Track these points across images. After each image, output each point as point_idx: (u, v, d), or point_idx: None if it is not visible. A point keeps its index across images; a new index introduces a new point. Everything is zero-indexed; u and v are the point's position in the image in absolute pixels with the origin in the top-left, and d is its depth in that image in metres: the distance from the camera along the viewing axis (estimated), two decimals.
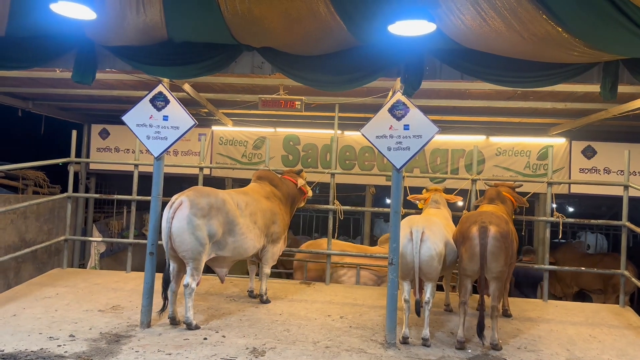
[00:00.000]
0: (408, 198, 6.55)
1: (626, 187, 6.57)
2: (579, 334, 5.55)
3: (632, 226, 6.45)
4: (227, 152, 10.04)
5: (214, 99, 8.26)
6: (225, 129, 10.18)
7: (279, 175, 6.42)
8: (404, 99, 5.08)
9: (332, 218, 7.18)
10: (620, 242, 6.68)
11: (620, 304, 6.66)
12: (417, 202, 6.30)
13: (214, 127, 10.14)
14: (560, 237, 6.88)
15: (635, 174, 8.31)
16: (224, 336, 4.96)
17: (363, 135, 5.13)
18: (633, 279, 6.53)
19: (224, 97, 7.91)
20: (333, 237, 7.29)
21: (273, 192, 6.09)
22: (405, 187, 6.94)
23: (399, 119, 5.10)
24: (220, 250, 5.33)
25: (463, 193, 6.84)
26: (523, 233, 7.08)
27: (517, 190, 6.27)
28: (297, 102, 6.63)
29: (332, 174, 7.32)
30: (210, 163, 9.88)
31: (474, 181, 6.98)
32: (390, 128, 5.11)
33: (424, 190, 6.33)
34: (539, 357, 4.89)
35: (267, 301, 6.09)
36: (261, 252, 5.88)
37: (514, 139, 8.95)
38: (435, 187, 6.45)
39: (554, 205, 9.03)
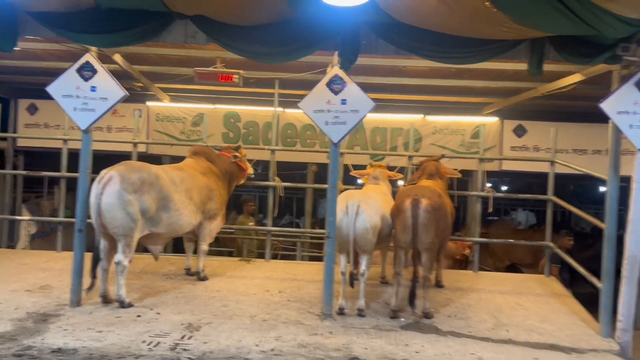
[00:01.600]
0: (351, 174, 6.62)
1: (552, 163, 6.89)
2: (506, 302, 5.82)
3: (557, 200, 6.80)
4: (165, 129, 9.75)
5: (147, 72, 7.95)
6: (162, 105, 9.86)
7: (217, 151, 6.29)
8: (341, 73, 5.07)
9: (272, 195, 7.13)
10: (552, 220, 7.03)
11: (545, 274, 7.03)
12: (360, 177, 6.37)
13: (150, 103, 9.79)
14: (490, 210, 7.14)
15: (563, 152, 8.74)
16: (158, 313, 4.86)
17: (300, 108, 5.10)
18: (558, 251, 6.87)
19: (158, 69, 7.63)
20: (276, 216, 7.26)
21: (210, 168, 5.96)
22: (347, 165, 7.00)
23: (336, 93, 5.09)
24: (154, 226, 5.18)
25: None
26: (457, 205, 7.34)
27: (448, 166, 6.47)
28: (234, 76, 6.49)
29: (272, 151, 7.26)
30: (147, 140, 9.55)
31: (410, 158, 7.13)
32: (328, 102, 5.10)
33: (368, 166, 6.42)
34: (468, 324, 5.09)
35: (204, 278, 6.00)
36: (198, 228, 5.76)
37: (450, 118, 9.19)
38: (378, 164, 6.55)
39: (490, 185, 9.38)
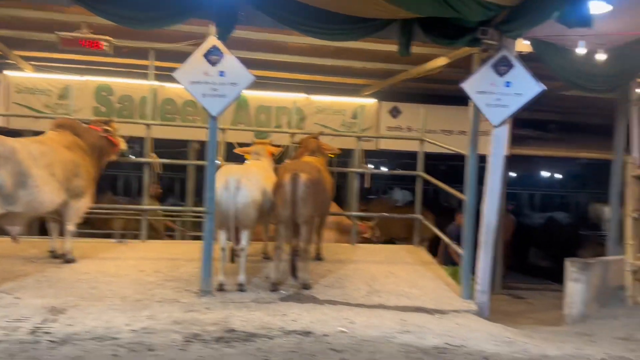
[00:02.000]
0: (235, 151, 6.52)
1: (422, 142, 7.35)
2: (380, 271, 6.14)
3: (426, 175, 7.27)
4: (26, 102, 8.81)
5: (4, 37, 7.10)
6: (24, 75, 8.90)
7: (85, 125, 5.83)
8: (219, 44, 4.93)
9: (148, 172, 6.80)
10: (424, 196, 7.51)
11: (414, 244, 7.52)
12: (244, 155, 6.30)
13: (8, 72, 8.79)
14: (367, 186, 7.46)
15: (432, 132, 9.36)
16: (17, 297, 4.44)
17: (175, 78, 4.89)
18: (427, 223, 7.36)
19: (16, 34, 6.83)
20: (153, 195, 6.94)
21: (76, 142, 5.50)
22: (232, 143, 6.87)
23: (214, 64, 4.95)
24: (11, 205, 4.70)
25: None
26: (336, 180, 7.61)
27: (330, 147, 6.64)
28: (103, 43, 6.01)
29: (148, 125, 6.91)
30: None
31: (293, 135, 7.20)
32: (205, 74, 4.94)
33: (253, 143, 6.37)
34: (344, 293, 5.31)
35: (71, 260, 5.57)
36: (63, 208, 5.32)
37: (332, 98, 9.42)
38: (262, 141, 6.53)
39: (371, 166, 9.81)
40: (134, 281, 5.15)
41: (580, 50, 5.49)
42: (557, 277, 6.06)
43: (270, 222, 5.96)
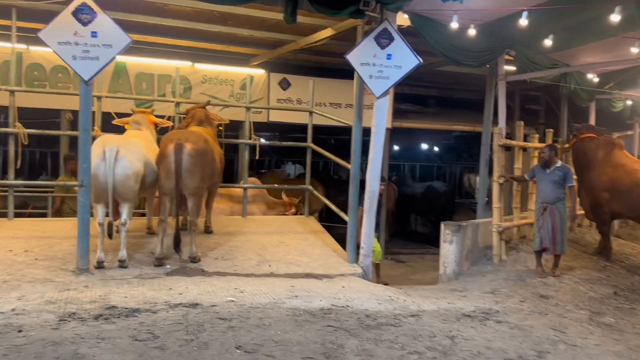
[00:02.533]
0: (114, 122, 6.10)
1: (310, 114, 7.43)
2: (271, 241, 6.18)
3: (315, 147, 7.38)
4: None
5: None
6: None
7: None
8: (90, 1, 4.53)
9: (13, 144, 6.14)
10: (314, 170, 7.60)
11: (305, 214, 7.65)
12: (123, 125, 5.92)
13: None
14: (257, 157, 7.40)
15: (321, 105, 9.49)
16: None
17: (41, 38, 4.43)
18: (316, 194, 7.50)
19: None
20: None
21: None
22: (111, 113, 6.41)
23: (85, 24, 4.55)
24: None
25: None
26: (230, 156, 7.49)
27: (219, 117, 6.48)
28: None
29: (12, 92, 6.22)
30: None
31: (177, 104, 6.89)
32: (75, 34, 4.52)
33: (133, 113, 5.97)
34: (234, 264, 5.27)
35: None
36: None
37: (219, 67, 9.13)
38: (142, 109, 6.15)
39: (264, 141, 9.68)
40: (0, 262, 4.69)
41: (454, 25, 5.82)
42: (435, 242, 6.52)
43: (155, 195, 5.71)
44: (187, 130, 5.61)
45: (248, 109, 7.28)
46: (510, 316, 4.61)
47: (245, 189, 7.27)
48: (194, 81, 9.05)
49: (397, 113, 10.27)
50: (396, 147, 17.05)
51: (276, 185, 8.62)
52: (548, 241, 6.16)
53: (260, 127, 10.97)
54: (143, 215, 6.33)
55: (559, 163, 6.32)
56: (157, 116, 6.32)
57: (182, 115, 6.67)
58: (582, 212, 8.10)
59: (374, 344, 3.49)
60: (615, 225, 9.60)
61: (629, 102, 9.74)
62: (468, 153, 16.35)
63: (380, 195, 6.24)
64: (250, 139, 7.23)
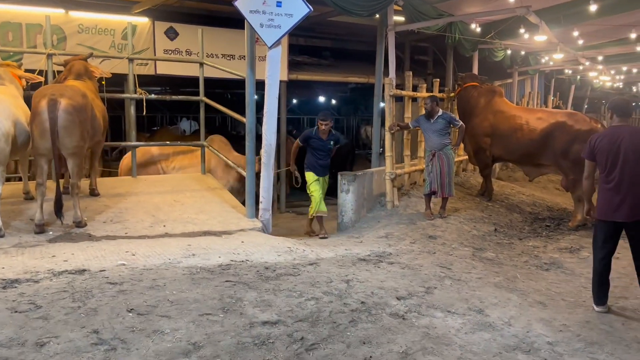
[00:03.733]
0: None
1: (201, 65, 7.13)
2: (165, 201, 5.99)
3: (208, 100, 7.15)
4: None
5: None
6: None
7: None
8: None
9: None
10: (212, 127, 7.35)
11: (201, 172, 7.46)
12: None
13: None
14: (144, 112, 7.04)
15: (213, 57, 9.13)
16: None
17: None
18: (212, 149, 7.30)
19: None
20: None
21: None
22: None
23: None
24: None
25: None
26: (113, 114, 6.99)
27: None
28: None
29: None
30: None
31: (50, 56, 6.28)
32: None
33: None
34: (125, 227, 5.06)
35: None
36: None
37: (97, 16, 8.36)
38: (7, 62, 5.51)
39: (151, 95, 9.11)
40: None
41: None
42: (335, 193, 6.69)
43: (29, 157, 5.25)
44: (62, 85, 5.16)
45: (131, 60, 6.82)
46: (402, 257, 4.90)
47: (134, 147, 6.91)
48: (68, 31, 8.24)
49: (292, 65, 10.18)
50: (294, 101, 17.04)
51: (168, 142, 8.29)
52: (437, 185, 6.56)
53: (148, 81, 10.40)
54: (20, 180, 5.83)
55: (440, 112, 6.68)
56: (27, 71, 5.73)
57: (58, 70, 6.10)
58: (466, 156, 8.72)
59: (272, 294, 3.55)
60: (496, 168, 10.51)
61: (509, 52, 10.46)
62: (364, 105, 16.76)
63: (331, 133, 6.48)
64: (135, 93, 6.82)
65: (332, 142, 6.57)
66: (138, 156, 7.24)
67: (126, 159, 7.57)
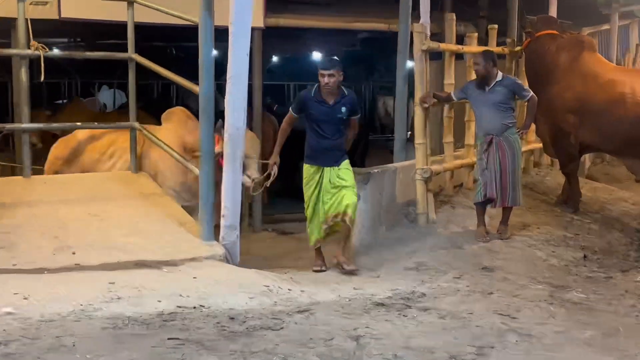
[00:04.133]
0: None
1: (130, 3, 7.09)
2: (75, 215, 6.01)
3: (141, 58, 7.13)
4: None
5: None
6: None
7: None
8: None
9: None
10: (147, 98, 7.35)
11: (132, 169, 7.44)
12: None
13: None
14: (43, 78, 7.02)
15: None
16: None
17: None
18: (149, 135, 7.27)
19: None
20: None
21: None
22: None
23: None
24: None
25: None
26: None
27: None
28: None
29: None
30: None
31: None
32: None
33: None
34: (12, 254, 5.09)
35: None
36: None
37: None
38: None
39: (54, 51, 8.99)
40: None
41: None
42: None
43: None
44: None
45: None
46: (441, 300, 4.90)
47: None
48: None
49: (272, 4, 10.18)
50: (275, 59, 17.02)
51: (78, 124, 8.23)
52: (494, 189, 6.56)
53: (49, 30, 10.36)
54: None
55: (500, 76, 6.69)
56: None
57: None
58: (539, 144, 8.72)
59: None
60: (586, 163, 10.52)
61: None
62: (382, 66, 16.75)
63: (342, 93, 6.09)
64: (28, 48, 6.78)
65: (343, 109, 6.16)
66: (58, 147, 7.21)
67: (58, 149, 7.51)
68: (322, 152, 6.16)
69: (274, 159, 6.48)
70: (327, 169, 6.15)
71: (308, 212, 6.29)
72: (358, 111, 6.52)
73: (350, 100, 6.23)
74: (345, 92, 6.23)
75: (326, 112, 6.13)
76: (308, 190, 6.24)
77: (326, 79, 6.05)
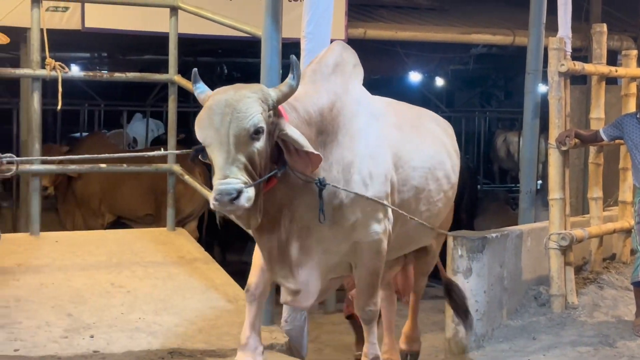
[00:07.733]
0: None
1: (174, 10, 7.30)
2: (95, 284, 6.18)
3: (185, 81, 7.29)
4: None
5: None
6: None
7: None
8: None
9: None
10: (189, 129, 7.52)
11: (168, 227, 7.59)
12: None
13: None
14: (60, 106, 7.22)
15: None
16: None
17: None
18: (191, 180, 7.43)
19: None
20: None
21: None
22: None
23: None
24: None
25: None
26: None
27: None
28: None
29: None
30: None
31: None
32: None
33: None
34: (14, 335, 5.18)
35: None
36: None
37: None
38: None
39: (75, 71, 9.32)
40: None
41: None
42: (436, 271, 6.58)
43: None
44: None
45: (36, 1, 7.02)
46: None
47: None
48: None
49: (355, 11, 10.31)
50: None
51: (102, 165, 8.43)
52: None
53: (70, 43, 10.72)
54: None
55: None
56: None
57: None
58: None
59: None
60: None
61: None
62: (505, 90, 16.68)
63: None
64: (44, 67, 7.02)
65: None
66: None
67: None
68: None
69: None
70: None
71: None
72: None
73: None
74: None
75: None
76: None
77: None
